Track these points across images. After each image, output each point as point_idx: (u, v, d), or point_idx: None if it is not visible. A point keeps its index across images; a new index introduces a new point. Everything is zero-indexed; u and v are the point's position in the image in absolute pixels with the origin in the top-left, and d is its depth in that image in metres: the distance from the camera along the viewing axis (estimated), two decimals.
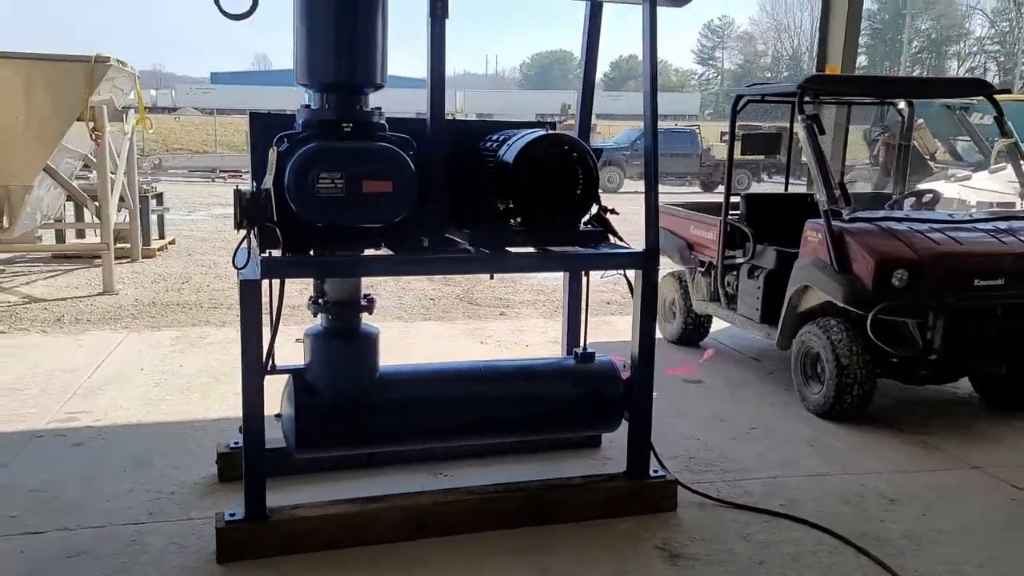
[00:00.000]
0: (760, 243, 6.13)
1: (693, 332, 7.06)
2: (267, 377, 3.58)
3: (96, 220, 9.85)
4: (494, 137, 3.93)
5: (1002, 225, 5.46)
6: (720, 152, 27.12)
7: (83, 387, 5.62)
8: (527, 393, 4.07)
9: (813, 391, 5.42)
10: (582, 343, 4.43)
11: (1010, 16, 69.42)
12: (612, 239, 4.07)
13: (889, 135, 9.52)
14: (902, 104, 6.65)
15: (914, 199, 6.20)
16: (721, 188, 22.25)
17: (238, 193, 3.43)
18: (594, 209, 3.91)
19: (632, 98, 68.65)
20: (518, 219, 3.74)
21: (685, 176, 28.42)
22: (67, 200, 10.52)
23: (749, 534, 3.81)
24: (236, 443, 4.18)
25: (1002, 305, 5.11)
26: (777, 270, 5.90)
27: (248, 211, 3.41)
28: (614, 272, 4.39)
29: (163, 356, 6.39)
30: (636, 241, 4.04)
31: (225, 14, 3.55)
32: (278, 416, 3.83)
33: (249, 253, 3.47)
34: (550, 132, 3.76)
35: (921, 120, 14.08)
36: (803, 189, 9.01)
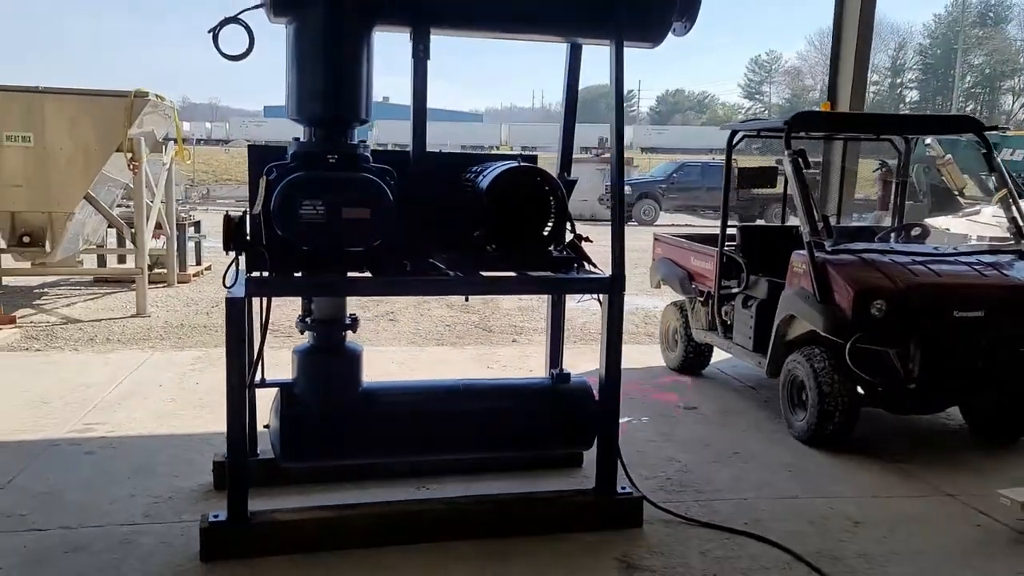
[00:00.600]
0: (754, 274, 6.29)
1: (694, 360, 7.21)
2: (261, 391, 3.86)
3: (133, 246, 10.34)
4: (475, 168, 4.20)
5: (987, 259, 5.55)
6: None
7: (103, 401, 5.98)
8: (501, 410, 4.29)
9: (798, 418, 5.54)
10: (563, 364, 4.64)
11: None
12: (587, 266, 4.30)
13: (886, 171, 9.58)
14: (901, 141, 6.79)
15: (903, 233, 6.30)
16: (760, 222, 22.23)
17: (227, 218, 3.75)
18: (568, 236, 4.16)
19: (676, 132, 68.90)
20: (492, 245, 4.00)
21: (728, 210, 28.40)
22: (108, 227, 11.05)
23: (708, 550, 3.96)
24: None
25: (986, 337, 5.20)
26: (769, 300, 6.05)
27: (236, 235, 3.72)
28: (589, 296, 4.59)
29: (183, 374, 6.73)
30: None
31: (224, 55, 3.90)
32: (267, 427, 4.11)
33: (237, 274, 3.77)
34: (521, 164, 4.02)
35: (949, 156, 14.05)
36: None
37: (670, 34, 4.32)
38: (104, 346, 7.83)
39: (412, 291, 4.88)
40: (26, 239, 8.99)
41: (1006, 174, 5.94)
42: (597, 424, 4.30)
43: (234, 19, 3.84)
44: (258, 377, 3.95)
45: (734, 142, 6.52)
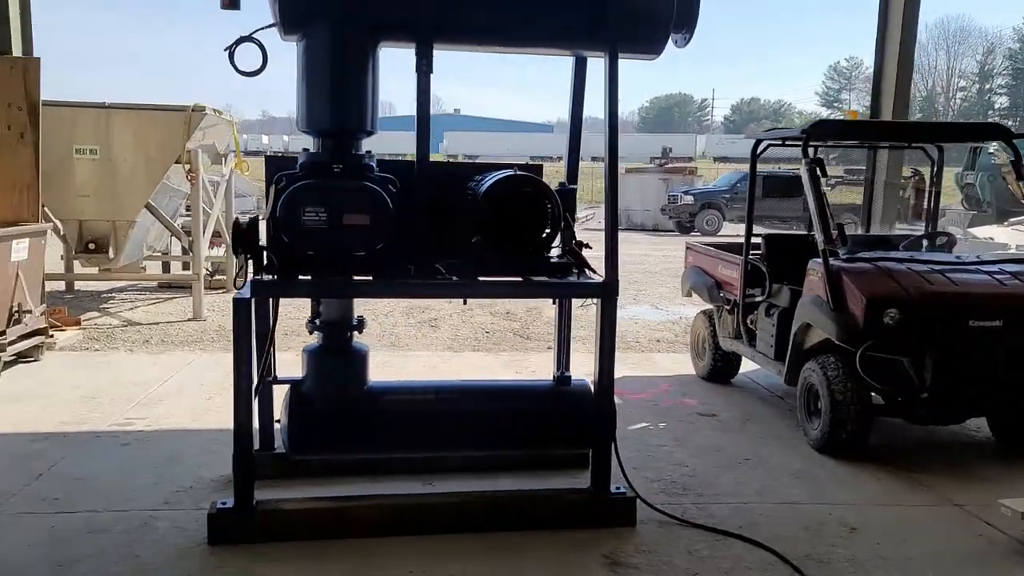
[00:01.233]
0: (778, 282, 6.30)
1: (722, 369, 7.22)
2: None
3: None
4: (477, 177, 4.38)
5: (1010, 268, 5.46)
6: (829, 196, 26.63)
7: (147, 397, 6.35)
8: (501, 410, 4.45)
9: (813, 426, 5.54)
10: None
11: None
12: (587, 272, 4.43)
13: (919, 179, 9.35)
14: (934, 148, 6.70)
15: (928, 241, 6.22)
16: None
17: (236, 223, 4.00)
18: (558, 241, 4.30)
19: (748, 141, 67.83)
20: (490, 250, 4.17)
21: (789, 220, 27.98)
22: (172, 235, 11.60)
23: (695, 550, 4.04)
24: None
25: (1004, 347, 5.13)
26: (790, 308, 6.05)
27: (243, 239, 3.97)
28: (591, 301, 4.71)
29: (226, 374, 6.95)
30: None
31: (239, 71, 4.17)
32: (278, 422, 4.36)
33: (246, 277, 4.03)
34: (517, 173, 4.18)
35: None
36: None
37: (671, 45, 4.43)
38: (157, 347, 8.26)
39: (410, 294, 5.08)
40: (91, 246, 9.53)
41: None
42: (595, 425, 4.41)
43: (249, 38, 4.11)
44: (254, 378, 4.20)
45: (758, 151, 6.54)
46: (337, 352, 4.34)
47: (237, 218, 4.09)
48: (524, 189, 4.08)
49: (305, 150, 4.24)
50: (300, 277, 4.09)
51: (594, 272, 4.42)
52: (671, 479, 4.96)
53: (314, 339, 4.44)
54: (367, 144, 4.27)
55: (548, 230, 4.17)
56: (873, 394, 5.36)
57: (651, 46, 4.33)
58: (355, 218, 3.92)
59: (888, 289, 5.15)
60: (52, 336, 7.81)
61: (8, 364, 6.97)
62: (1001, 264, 5.55)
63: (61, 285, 11.12)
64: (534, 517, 4.21)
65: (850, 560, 3.96)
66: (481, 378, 6.67)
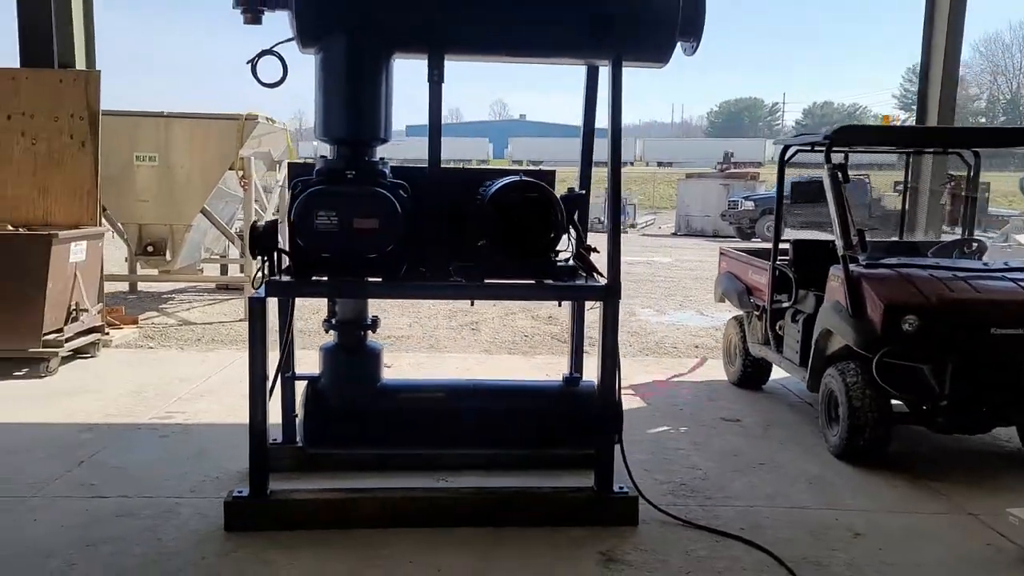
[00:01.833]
0: (805, 288, 6.28)
1: (752, 375, 7.20)
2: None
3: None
4: (486, 183, 4.52)
5: None
6: (892, 202, 26.02)
7: (189, 393, 6.66)
8: (508, 409, 4.58)
9: (832, 432, 5.52)
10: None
11: None
12: (595, 275, 4.53)
13: (955, 184, 9.11)
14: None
15: (959, 248, 6.13)
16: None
17: (253, 226, 4.23)
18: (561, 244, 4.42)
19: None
20: (497, 254, 4.30)
21: (825, 226, 27.39)
22: None
23: (693, 550, 4.10)
24: (274, 439, 4.94)
25: None
26: (814, 314, 6.03)
27: (260, 241, 4.19)
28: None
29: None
30: None
31: (261, 83, 4.40)
32: (295, 416, 4.57)
33: (263, 278, 4.25)
34: (522, 179, 4.30)
35: None
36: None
37: (680, 52, 4.51)
38: (207, 346, 8.62)
39: (419, 295, 5.24)
40: (150, 248, 10.00)
41: None
42: (601, 425, 4.50)
43: (270, 51, 4.33)
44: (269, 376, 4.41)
45: (787, 157, 6.53)
46: (351, 350, 4.53)
47: (255, 221, 4.32)
48: (528, 195, 4.20)
49: (323, 157, 4.44)
50: (315, 278, 4.29)
51: (601, 276, 4.51)
52: (681, 481, 5.01)
53: (331, 337, 4.64)
54: (389, 151, 4.45)
55: (552, 234, 4.28)
56: (898, 402, 5.32)
57: (657, 54, 4.43)
58: (365, 222, 4.10)
59: (907, 295, 5.11)
60: (108, 334, 8.23)
61: (66, 359, 7.39)
62: None
63: (125, 286, 11.66)
64: (536, 514, 4.32)
65: (848, 564, 3.97)
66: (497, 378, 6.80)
